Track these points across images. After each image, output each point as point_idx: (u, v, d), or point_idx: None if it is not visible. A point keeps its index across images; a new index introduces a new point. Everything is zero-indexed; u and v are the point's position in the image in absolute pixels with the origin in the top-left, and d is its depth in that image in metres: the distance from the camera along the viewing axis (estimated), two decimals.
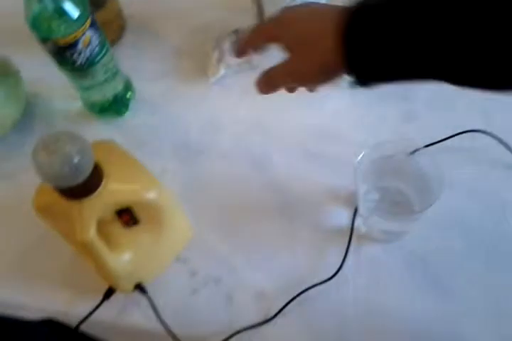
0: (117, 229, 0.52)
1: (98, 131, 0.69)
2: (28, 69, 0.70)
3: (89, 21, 0.56)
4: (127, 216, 0.50)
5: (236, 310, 0.56)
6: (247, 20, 0.71)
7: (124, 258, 0.53)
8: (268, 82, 0.46)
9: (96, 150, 0.45)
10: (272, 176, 0.65)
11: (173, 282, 0.59)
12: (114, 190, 0.48)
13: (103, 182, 0.47)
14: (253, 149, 0.67)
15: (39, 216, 0.52)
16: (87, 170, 0.44)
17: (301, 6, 0.45)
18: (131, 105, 0.70)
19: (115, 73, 0.65)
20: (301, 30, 0.42)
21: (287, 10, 0.45)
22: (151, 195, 0.50)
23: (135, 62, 0.72)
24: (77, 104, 0.71)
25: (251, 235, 0.61)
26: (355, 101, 0.70)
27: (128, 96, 0.69)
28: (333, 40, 0.39)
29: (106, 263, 0.50)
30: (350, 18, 0.38)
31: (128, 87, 0.69)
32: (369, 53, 0.38)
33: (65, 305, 0.59)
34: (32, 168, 0.64)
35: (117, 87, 0.67)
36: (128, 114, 0.70)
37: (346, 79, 0.68)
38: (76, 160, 0.42)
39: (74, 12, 0.54)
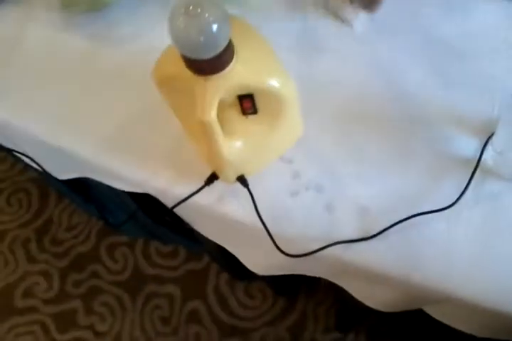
0: (235, 115, 0.49)
1: None
2: None
3: None
4: (249, 103, 0.47)
5: (335, 222, 0.54)
6: None
7: (236, 145, 0.50)
8: None
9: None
10: (399, 88, 0.59)
11: (274, 180, 0.56)
12: (243, 72, 0.44)
13: (233, 62, 0.43)
14: (382, 56, 0.61)
15: (158, 86, 0.50)
16: (223, 44, 0.40)
17: None
18: None
19: None
20: None
21: None
22: (277, 84, 0.47)
23: None
24: None
25: (365, 146, 0.57)
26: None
27: None
28: None
29: (218, 147, 0.48)
30: None
31: None
32: None
33: (164, 184, 0.58)
34: (146, 34, 0.63)
35: None
36: None
37: None
38: (215, 29, 0.39)
39: None
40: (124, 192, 0.66)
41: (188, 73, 0.44)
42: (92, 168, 0.62)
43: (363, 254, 0.52)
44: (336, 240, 0.52)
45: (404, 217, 0.52)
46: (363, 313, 0.99)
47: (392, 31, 0.62)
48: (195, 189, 0.54)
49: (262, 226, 0.53)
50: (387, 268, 0.52)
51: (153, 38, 0.60)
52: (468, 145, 0.55)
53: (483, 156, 0.54)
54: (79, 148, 0.60)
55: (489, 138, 0.54)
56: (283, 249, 0.53)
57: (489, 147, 0.54)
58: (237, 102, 0.48)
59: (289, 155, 0.57)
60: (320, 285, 1.20)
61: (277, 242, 0.53)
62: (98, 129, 0.61)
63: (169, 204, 0.58)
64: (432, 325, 0.63)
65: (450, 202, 0.52)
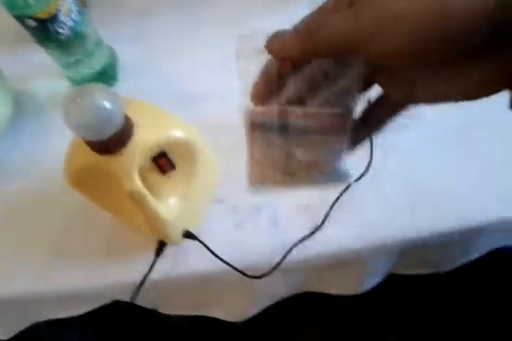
0: (155, 177, 0.52)
1: None
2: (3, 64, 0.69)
3: None
4: (164, 161, 0.51)
5: (284, 228, 0.59)
6: None
7: (170, 205, 0.54)
8: None
9: None
10: None
11: (218, 222, 0.60)
12: (147, 137, 0.48)
13: (134, 131, 0.48)
14: None
15: (73, 185, 0.52)
16: (120, 119, 0.45)
17: None
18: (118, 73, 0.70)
19: (99, 42, 0.64)
20: None
21: None
22: (181, 134, 0.51)
23: (106, 27, 0.68)
24: (61, 86, 0.70)
25: None
26: None
27: (114, 64, 0.69)
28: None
29: (157, 213, 0.51)
30: None
31: (112, 54, 0.69)
32: None
33: (119, 274, 0.59)
34: (35, 165, 0.66)
35: (103, 56, 0.66)
36: (117, 83, 0.70)
37: None
38: (108, 107, 0.43)
39: None
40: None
41: (97, 159, 0.47)
42: (36, 305, 0.62)
43: (321, 243, 0.57)
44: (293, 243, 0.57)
45: (337, 195, 0.58)
46: None
47: None
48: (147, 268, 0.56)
49: (226, 268, 0.55)
50: (349, 245, 0.57)
51: (45, 163, 0.66)
52: None
53: None
54: (19, 287, 0.60)
55: None
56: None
57: None
58: (153, 165, 0.52)
59: (218, 195, 0.61)
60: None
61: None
62: (33, 262, 0.61)
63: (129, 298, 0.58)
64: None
65: (366, 164, 0.60)
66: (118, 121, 0.45)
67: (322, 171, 0.36)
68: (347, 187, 0.59)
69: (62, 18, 0.56)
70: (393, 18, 0.24)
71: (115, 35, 0.71)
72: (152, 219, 0.53)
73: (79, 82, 0.69)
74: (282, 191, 0.39)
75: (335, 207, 0.58)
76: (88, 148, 0.47)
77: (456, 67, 0.25)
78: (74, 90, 0.43)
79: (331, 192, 0.59)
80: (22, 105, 0.71)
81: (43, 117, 0.70)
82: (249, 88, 0.32)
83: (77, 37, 0.59)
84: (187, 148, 0.53)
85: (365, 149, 0.61)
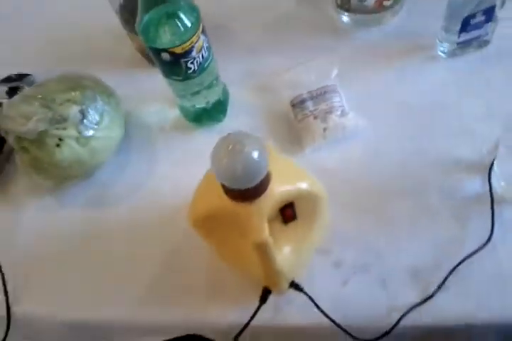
0: (276, 226, 0.51)
1: (200, 140, 0.68)
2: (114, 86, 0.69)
3: (201, 24, 0.55)
4: (290, 212, 0.50)
5: (393, 293, 0.56)
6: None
7: (284, 255, 0.52)
8: None
9: None
10: (390, 155, 0.65)
11: (321, 275, 0.58)
12: (280, 188, 0.47)
13: (271, 181, 0.46)
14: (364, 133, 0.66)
15: (195, 228, 0.51)
16: (266, 169, 0.43)
17: None
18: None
19: (217, 77, 0.63)
20: None
21: None
22: (310, 187, 0.50)
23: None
24: (170, 116, 0.70)
25: (387, 215, 0.61)
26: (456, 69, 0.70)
27: (226, 99, 0.68)
28: None
29: (275, 264, 0.49)
30: None
31: (225, 89, 0.68)
32: None
33: (216, 318, 0.57)
34: (139, 190, 0.66)
35: (219, 91, 0.65)
36: (225, 120, 0.69)
37: (441, 47, 0.69)
38: (258, 156, 0.42)
39: (189, 16, 0.53)
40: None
41: (230, 205, 0.46)
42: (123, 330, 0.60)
43: (431, 314, 0.54)
44: (402, 311, 0.54)
45: (451, 267, 0.56)
46: None
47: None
48: (245, 315, 0.54)
49: (328, 324, 0.53)
50: (459, 320, 0.54)
51: (147, 190, 0.66)
52: (474, 184, 0.61)
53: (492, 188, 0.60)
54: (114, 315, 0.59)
55: (490, 172, 0.60)
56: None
57: (493, 179, 0.60)
58: (277, 214, 0.50)
59: (323, 246, 0.59)
60: None
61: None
62: (129, 291, 0.60)
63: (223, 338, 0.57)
64: None
65: (483, 239, 0.57)
66: (264, 171, 0.43)
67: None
68: (463, 259, 0.56)
69: (194, 54, 0.55)
70: None
71: (230, 72, 0.70)
72: (268, 269, 0.51)
73: (189, 114, 0.68)
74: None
75: (449, 276, 0.55)
76: (220, 192, 0.46)
77: None
78: (223, 138, 0.42)
79: (446, 257, 0.56)
80: (129, 127, 0.70)
81: (149, 143, 0.70)
82: None
83: (202, 71, 0.59)
84: (311, 201, 0.51)
85: (486, 220, 0.58)
